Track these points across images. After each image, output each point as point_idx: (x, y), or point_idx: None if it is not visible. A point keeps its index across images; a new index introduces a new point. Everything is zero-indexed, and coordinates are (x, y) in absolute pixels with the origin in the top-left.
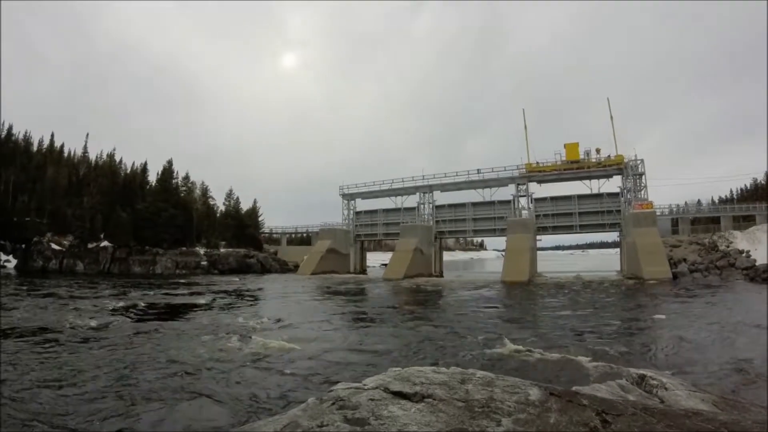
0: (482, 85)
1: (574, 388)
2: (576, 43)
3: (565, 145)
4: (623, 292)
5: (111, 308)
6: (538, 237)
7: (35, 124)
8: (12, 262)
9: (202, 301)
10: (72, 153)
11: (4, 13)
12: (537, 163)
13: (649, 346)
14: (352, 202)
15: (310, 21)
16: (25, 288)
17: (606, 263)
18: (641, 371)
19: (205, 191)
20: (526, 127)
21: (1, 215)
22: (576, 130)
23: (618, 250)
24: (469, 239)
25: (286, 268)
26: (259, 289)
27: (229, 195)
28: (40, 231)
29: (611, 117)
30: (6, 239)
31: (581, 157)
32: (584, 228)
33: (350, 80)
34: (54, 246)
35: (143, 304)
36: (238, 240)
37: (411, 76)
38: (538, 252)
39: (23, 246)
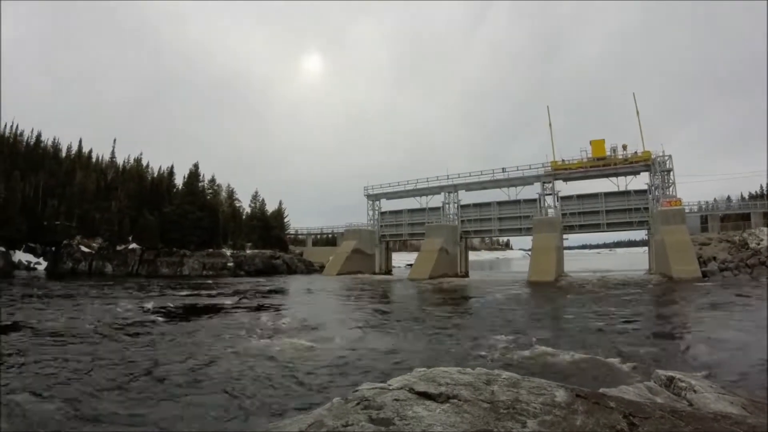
0: (532, 93)
1: (601, 390)
2: (624, 51)
3: (591, 142)
4: (652, 292)
5: (138, 308)
6: (565, 236)
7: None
8: (42, 265)
9: (228, 301)
10: (100, 158)
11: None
12: (563, 160)
13: (678, 346)
14: (377, 202)
15: (369, 26)
16: (57, 289)
17: (634, 262)
18: (669, 373)
19: (231, 193)
20: (550, 124)
21: (32, 219)
22: (601, 126)
23: (646, 248)
24: (494, 239)
25: (312, 268)
26: (285, 289)
27: (255, 197)
28: (69, 234)
29: (637, 112)
30: (36, 242)
31: (607, 153)
32: (611, 226)
33: (408, 87)
34: (83, 248)
35: (171, 305)
36: (264, 241)
37: (464, 84)
38: (565, 251)
39: (53, 249)
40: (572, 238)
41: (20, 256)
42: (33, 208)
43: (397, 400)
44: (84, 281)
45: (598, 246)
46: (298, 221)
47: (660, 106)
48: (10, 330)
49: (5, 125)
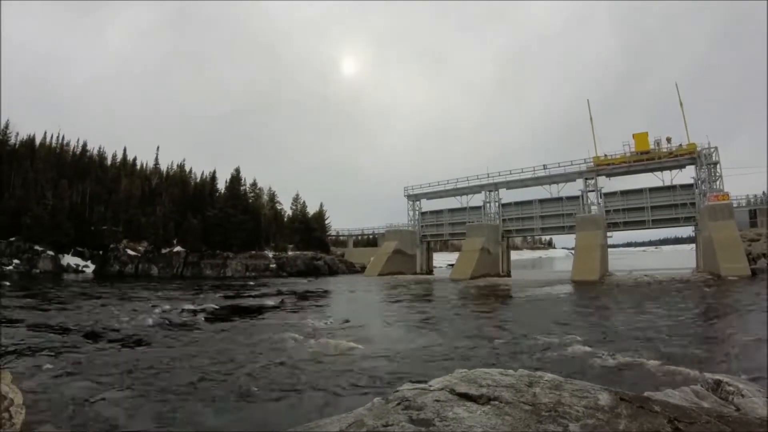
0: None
1: (645, 394)
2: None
3: (633, 136)
4: (699, 291)
5: (184, 309)
6: (609, 233)
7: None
8: (90, 267)
9: (270, 302)
10: (144, 165)
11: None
12: (605, 155)
13: (726, 349)
14: (418, 202)
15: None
16: (105, 290)
17: (681, 260)
18: (717, 376)
19: (272, 196)
20: (591, 118)
21: (80, 225)
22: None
23: (693, 246)
24: (536, 237)
25: (353, 269)
26: (326, 290)
27: (296, 199)
28: (116, 238)
29: (681, 103)
30: (84, 246)
31: (651, 147)
32: (657, 223)
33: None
34: (130, 252)
35: (215, 306)
36: (305, 243)
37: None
38: (609, 249)
39: (100, 252)
40: (617, 236)
41: (69, 259)
42: (81, 214)
43: (437, 401)
44: (132, 283)
45: (643, 244)
46: (365, 222)
47: (703, 96)
48: (82, 334)
49: (51, 136)
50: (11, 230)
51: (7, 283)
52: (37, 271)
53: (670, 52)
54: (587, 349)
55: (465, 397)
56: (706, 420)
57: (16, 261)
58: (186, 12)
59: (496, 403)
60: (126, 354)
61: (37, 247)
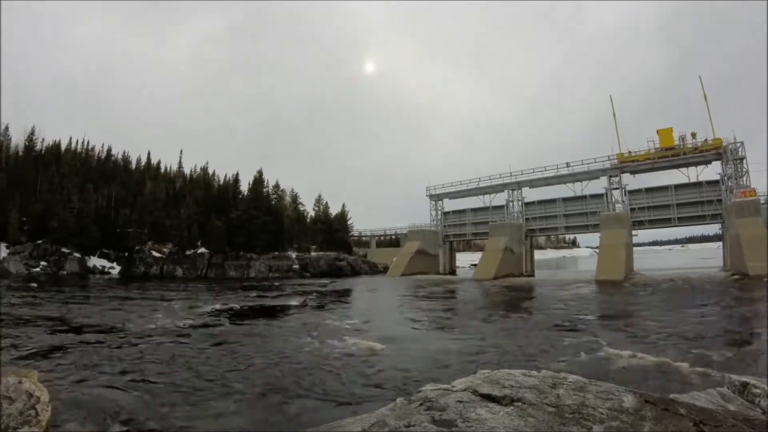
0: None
1: (671, 396)
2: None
3: (657, 131)
4: (725, 291)
5: (209, 309)
6: (634, 232)
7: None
8: (116, 269)
9: (294, 302)
10: (168, 168)
11: None
12: (629, 152)
13: (754, 350)
14: (440, 202)
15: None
16: (130, 291)
17: (708, 259)
18: (744, 378)
19: (294, 198)
20: (614, 114)
21: (106, 227)
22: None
23: (720, 243)
24: (560, 236)
25: (376, 270)
26: (349, 290)
27: (318, 201)
28: (141, 240)
29: (705, 96)
30: (110, 248)
31: (676, 142)
32: (683, 221)
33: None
34: (155, 253)
35: (239, 306)
36: (328, 244)
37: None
38: (634, 248)
39: (126, 254)
40: (642, 234)
41: (95, 261)
42: (106, 216)
43: (460, 401)
44: (157, 284)
45: (669, 242)
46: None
47: (724, 88)
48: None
49: (76, 141)
50: (39, 233)
51: (34, 285)
52: (64, 272)
53: (702, 51)
54: (612, 350)
55: (488, 398)
56: (732, 423)
57: (43, 263)
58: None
59: (519, 404)
60: (152, 353)
61: (63, 250)
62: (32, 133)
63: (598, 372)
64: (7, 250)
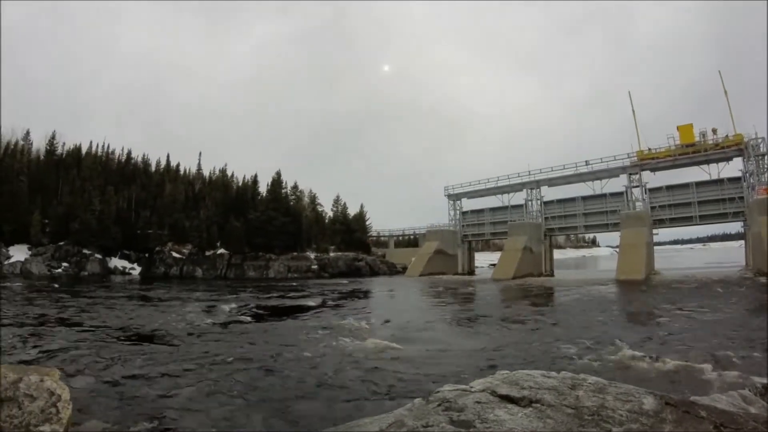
0: None
1: (691, 398)
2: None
3: (677, 128)
4: (749, 291)
5: (229, 309)
6: (655, 230)
7: None
8: (137, 270)
9: (312, 302)
10: (187, 170)
11: None
12: (649, 149)
13: None
14: (458, 202)
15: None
16: (151, 291)
17: (730, 257)
18: (765, 380)
19: (313, 199)
20: (633, 111)
21: (126, 229)
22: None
23: (742, 242)
24: (580, 236)
25: (395, 270)
26: (368, 290)
27: (337, 201)
28: (161, 241)
29: (725, 92)
30: (131, 249)
31: (696, 139)
32: (704, 219)
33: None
34: (175, 254)
35: (258, 306)
36: (346, 244)
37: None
38: (655, 247)
39: (146, 255)
40: (663, 233)
41: (116, 262)
42: (127, 218)
43: (478, 402)
44: (177, 284)
45: (690, 241)
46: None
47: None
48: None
49: (97, 145)
50: (60, 235)
51: (56, 285)
52: (86, 273)
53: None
54: (632, 351)
55: (506, 399)
56: (752, 426)
57: (65, 264)
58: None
59: (538, 405)
60: (175, 351)
61: (85, 251)
62: (53, 137)
63: (618, 373)
64: (30, 252)
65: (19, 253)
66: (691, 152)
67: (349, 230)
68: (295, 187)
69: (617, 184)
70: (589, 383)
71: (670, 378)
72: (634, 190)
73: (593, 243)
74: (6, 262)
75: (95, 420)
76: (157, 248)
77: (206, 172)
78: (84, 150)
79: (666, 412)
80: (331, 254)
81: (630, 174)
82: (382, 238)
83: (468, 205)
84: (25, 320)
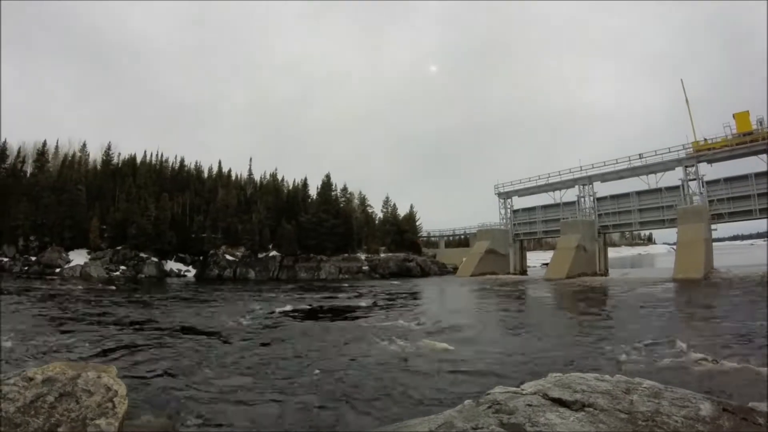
0: None
1: (750, 404)
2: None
3: (734, 116)
4: None
5: (281, 310)
6: (713, 226)
7: None
8: (192, 272)
9: (363, 303)
10: (239, 176)
11: None
12: (704, 140)
13: None
14: (509, 200)
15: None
16: (211, 293)
17: None
18: None
19: (363, 200)
20: (687, 100)
21: (181, 233)
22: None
23: None
24: (635, 233)
25: (445, 270)
26: (419, 291)
27: (386, 202)
28: (215, 244)
29: None
30: (186, 252)
31: (754, 127)
32: (765, 212)
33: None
34: (228, 257)
35: (311, 306)
36: (397, 245)
37: None
38: (714, 243)
39: (200, 258)
40: (722, 228)
41: (171, 265)
42: (181, 223)
43: (529, 405)
44: (232, 285)
45: (751, 236)
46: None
47: None
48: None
49: (151, 154)
50: (118, 240)
51: (113, 287)
52: (142, 275)
53: None
54: (690, 354)
55: (558, 402)
56: None
57: (122, 267)
58: None
59: (591, 409)
60: (231, 351)
61: (141, 255)
62: (109, 148)
63: (675, 377)
64: (89, 256)
65: (78, 257)
66: (749, 141)
67: (400, 231)
68: (345, 189)
69: (672, 177)
70: (644, 387)
71: (730, 382)
72: (690, 183)
73: (649, 240)
74: (66, 266)
75: (149, 416)
76: (211, 251)
77: (257, 177)
78: (139, 159)
79: (723, 418)
80: (382, 255)
81: (686, 166)
82: (433, 239)
83: (519, 203)
84: (85, 319)
